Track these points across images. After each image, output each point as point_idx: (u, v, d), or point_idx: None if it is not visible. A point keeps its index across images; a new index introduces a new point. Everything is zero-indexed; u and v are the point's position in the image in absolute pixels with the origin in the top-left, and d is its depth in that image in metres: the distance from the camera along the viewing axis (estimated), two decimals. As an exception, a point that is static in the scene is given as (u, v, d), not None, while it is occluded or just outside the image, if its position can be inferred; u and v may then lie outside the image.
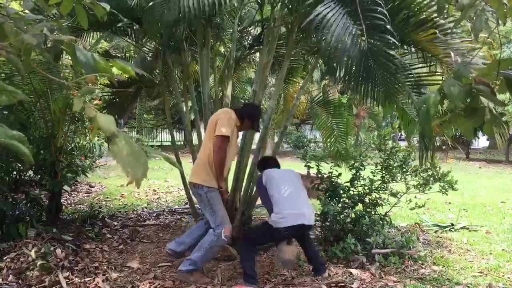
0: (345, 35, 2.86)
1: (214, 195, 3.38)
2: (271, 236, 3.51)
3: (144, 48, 5.36)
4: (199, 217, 4.58)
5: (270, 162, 3.86)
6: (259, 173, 3.85)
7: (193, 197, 4.85)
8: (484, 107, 1.45)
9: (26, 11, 1.84)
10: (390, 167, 4.38)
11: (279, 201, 3.36)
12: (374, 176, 4.43)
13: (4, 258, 3.39)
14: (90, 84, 1.19)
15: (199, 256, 3.32)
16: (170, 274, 3.49)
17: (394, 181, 4.42)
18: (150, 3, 3.44)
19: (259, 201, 4.49)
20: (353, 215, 4.27)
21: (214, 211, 3.35)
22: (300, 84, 5.77)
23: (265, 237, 3.56)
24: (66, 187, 5.87)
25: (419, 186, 4.36)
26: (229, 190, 4.47)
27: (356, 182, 4.39)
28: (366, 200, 4.33)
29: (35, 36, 1.32)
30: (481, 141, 26.43)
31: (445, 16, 3.13)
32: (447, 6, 2.20)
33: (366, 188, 4.34)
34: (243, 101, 17.85)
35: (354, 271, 3.65)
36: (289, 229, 3.31)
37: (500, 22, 1.64)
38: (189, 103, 4.82)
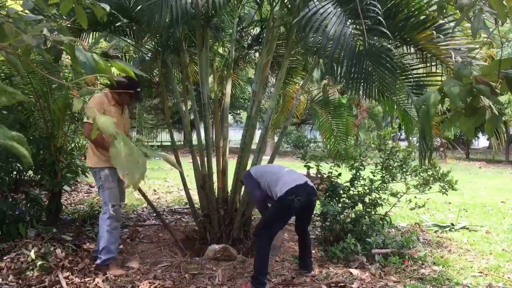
0: (341, 34, 2.86)
1: (106, 174, 3.52)
2: (284, 210, 3.32)
3: (143, 48, 5.36)
4: (198, 218, 4.58)
5: None
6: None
7: (193, 196, 4.87)
8: (484, 107, 1.45)
9: (26, 11, 1.84)
10: (390, 167, 4.38)
11: (278, 176, 3.40)
12: (374, 176, 4.43)
13: (4, 258, 3.39)
14: (90, 85, 1.19)
15: (106, 240, 3.44)
16: (170, 274, 3.49)
17: (394, 181, 4.42)
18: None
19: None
20: (353, 215, 4.27)
21: (103, 189, 3.53)
22: (300, 84, 5.77)
23: (279, 216, 3.36)
24: (66, 187, 5.87)
25: (419, 186, 4.36)
26: (229, 190, 4.48)
27: (356, 182, 4.39)
28: (366, 200, 4.32)
29: (35, 37, 1.32)
30: (481, 141, 26.43)
31: (444, 15, 3.13)
32: (446, 5, 2.20)
33: (366, 188, 4.34)
34: (242, 100, 17.82)
35: (354, 271, 3.65)
36: (296, 192, 3.22)
37: (500, 22, 1.64)
38: (189, 103, 4.81)
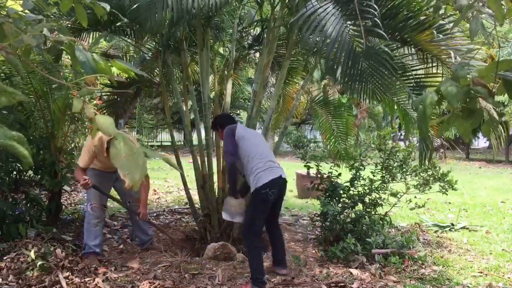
0: (339, 34, 2.86)
1: (91, 175, 3.80)
2: (260, 204, 3.32)
3: (144, 48, 5.36)
4: (198, 218, 4.58)
5: (230, 119, 3.78)
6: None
7: (193, 196, 4.87)
8: (482, 108, 1.45)
9: (26, 11, 1.84)
10: (390, 167, 4.38)
11: (255, 163, 3.34)
12: (374, 176, 4.43)
13: (4, 258, 3.39)
14: (90, 85, 1.19)
15: (85, 237, 3.75)
16: (170, 274, 3.49)
17: (394, 181, 4.42)
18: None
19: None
20: (353, 215, 4.27)
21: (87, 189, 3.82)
22: (300, 84, 5.77)
23: (257, 211, 3.35)
24: (66, 187, 5.87)
25: (419, 186, 4.36)
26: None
27: (356, 182, 4.39)
28: (366, 200, 4.32)
29: (35, 37, 1.32)
30: (481, 141, 26.42)
31: (442, 16, 3.13)
32: (444, 6, 2.20)
33: (366, 188, 4.34)
34: (242, 100, 17.85)
35: (354, 271, 3.65)
36: (270, 186, 3.24)
37: (498, 23, 1.64)
38: (189, 103, 4.82)
